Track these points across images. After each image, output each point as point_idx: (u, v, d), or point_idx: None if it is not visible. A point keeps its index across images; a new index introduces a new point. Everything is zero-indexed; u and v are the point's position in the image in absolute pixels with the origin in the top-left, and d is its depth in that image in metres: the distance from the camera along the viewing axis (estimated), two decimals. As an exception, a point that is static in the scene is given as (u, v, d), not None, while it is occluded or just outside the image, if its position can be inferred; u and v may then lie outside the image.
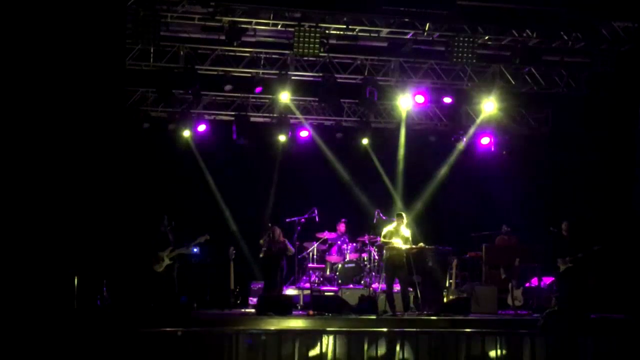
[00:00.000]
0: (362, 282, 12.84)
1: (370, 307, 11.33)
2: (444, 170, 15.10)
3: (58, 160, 10.77)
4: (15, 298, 9.97)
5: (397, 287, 12.04)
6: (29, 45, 10.59)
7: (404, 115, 14.46)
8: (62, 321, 9.86)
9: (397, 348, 10.14)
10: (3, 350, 9.18)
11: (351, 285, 12.71)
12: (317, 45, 11.71)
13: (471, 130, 14.82)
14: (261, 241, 12.41)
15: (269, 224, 12.55)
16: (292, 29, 11.79)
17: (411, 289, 12.02)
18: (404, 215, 12.03)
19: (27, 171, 10.56)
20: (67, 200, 10.82)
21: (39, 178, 10.59)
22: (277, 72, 13.08)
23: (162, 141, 14.11)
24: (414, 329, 10.34)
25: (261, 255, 12.37)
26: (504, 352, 10.29)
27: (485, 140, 14.92)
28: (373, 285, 12.35)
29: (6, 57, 10.43)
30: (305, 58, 12.67)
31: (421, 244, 12.04)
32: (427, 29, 12.07)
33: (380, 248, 12.45)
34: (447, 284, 12.48)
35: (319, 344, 10.02)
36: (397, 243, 11.77)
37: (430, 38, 12.40)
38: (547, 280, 12.62)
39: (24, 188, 10.50)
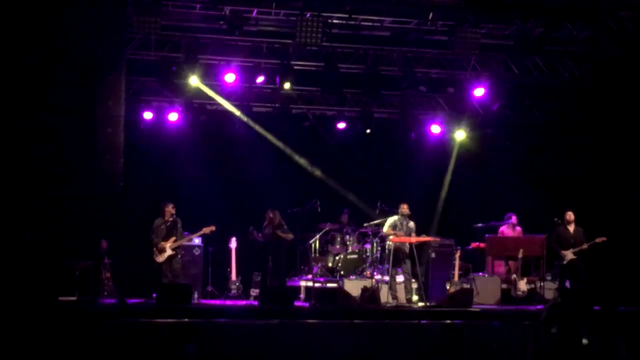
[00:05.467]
0: (365, 273, 12.78)
1: (373, 298, 11.27)
2: (447, 160, 15.03)
3: (58, 149, 10.75)
4: (13, 289, 9.98)
5: (399, 279, 12.02)
6: (29, 32, 10.53)
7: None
8: (61, 312, 9.84)
9: (400, 339, 10.06)
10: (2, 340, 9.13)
11: (353, 277, 12.64)
12: (319, 35, 11.62)
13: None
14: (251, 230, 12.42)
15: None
16: (294, 18, 11.67)
17: (414, 281, 12.02)
18: (407, 206, 11.97)
19: (25, 159, 10.53)
20: (68, 190, 10.81)
21: (37, 166, 10.57)
22: (279, 61, 12.98)
23: (163, 131, 14.03)
24: (417, 321, 10.28)
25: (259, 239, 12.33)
26: (506, 343, 10.21)
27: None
28: (375, 277, 12.29)
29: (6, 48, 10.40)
30: (308, 47, 12.51)
31: (424, 235, 11.98)
32: (430, 18, 11.96)
33: (383, 239, 12.42)
34: (449, 276, 12.43)
35: (321, 335, 9.94)
36: (400, 234, 11.72)
37: (434, 27, 12.30)
38: (550, 271, 12.57)
39: (22, 177, 10.48)
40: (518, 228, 13.14)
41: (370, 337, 9.97)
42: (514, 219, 13.09)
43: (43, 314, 9.52)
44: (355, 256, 13.06)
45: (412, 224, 11.90)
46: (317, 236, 13.39)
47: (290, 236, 12.48)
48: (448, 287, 12.29)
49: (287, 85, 13.26)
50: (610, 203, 13.10)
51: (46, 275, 10.46)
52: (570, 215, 11.97)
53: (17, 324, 9.21)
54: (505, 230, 13.13)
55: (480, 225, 13.43)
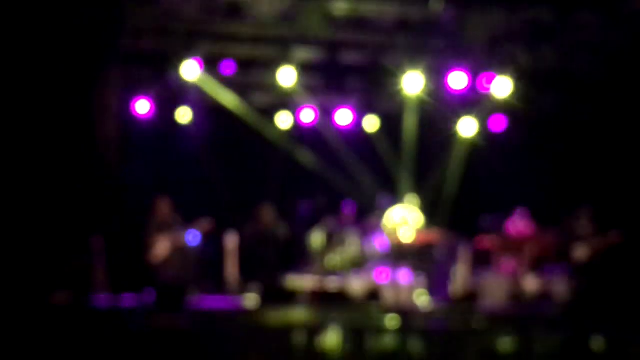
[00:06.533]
0: (368, 271, 12.55)
1: (376, 297, 11.13)
2: (453, 153, 14.76)
3: (51, 144, 10.64)
4: (4, 288, 9.83)
5: (403, 277, 11.73)
6: (20, 23, 10.34)
7: (411, 96, 14.13)
8: (54, 310, 9.72)
9: (403, 340, 9.90)
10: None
11: (356, 275, 12.37)
12: (320, 23, 11.39)
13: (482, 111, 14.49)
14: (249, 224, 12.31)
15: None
16: (295, 7, 11.44)
17: (418, 279, 11.76)
18: (412, 200, 11.82)
19: (17, 153, 10.38)
20: (61, 185, 10.71)
21: (29, 160, 10.45)
22: (279, 51, 12.70)
23: (160, 123, 13.73)
24: (421, 321, 10.14)
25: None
26: (514, 344, 10.02)
27: (496, 122, 14.47)
28: (379, 275, 12.04)
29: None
30: (309, 37, 12.22)
31: (429, 231, 11.80)
32: (436, 6, 11.68)
33: (387, 235, 12.16)
34: (455, 274, 12.19)
35: (322, 336, 9.79)
36: (404, 230, 11.57)
37: (440, 16, 11.99)
38: (561, 270, 12.32)
39: (16, 171, 10.35)
40: (529, 224, 12.88)
41: (372, 338, 9.81)
42: (522, 214, 12.83)
43: (36, 312, 9.41)
44: (357, 253, 12.83)
45: (418, 218, 11.74)
46: (319, 232, 13.16)
47: (284, 232, 12.34)
48: (454, 286, 12.05)
49: (287, 76, 13.03)
50: (625, 198, 12.84)
51: (39, 272, 10.35)
52: (583, 211, 11.75)
53: (9, 322, 9.10)
54: (513, 226, 12.86)
55: (488, 220, 13.17)
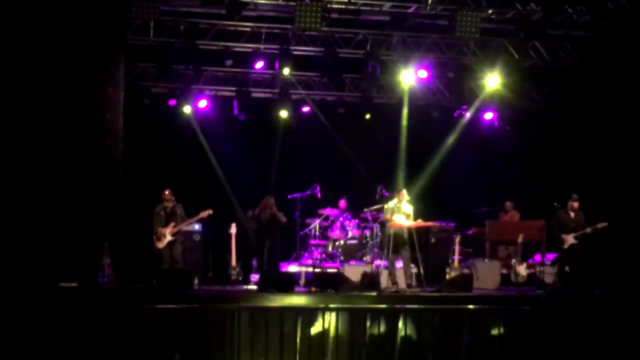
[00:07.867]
0: (365, 258, 12.79)
1: (373, 284, 11.26)
2: (446, 146, 14.97)
3: (56, 136, 10.73)
4: (14, 275, 9.98)
5: (399, 264, 11.97)
6: (27, 18, 10.49)
7: (406, 90, 14.33)
8: (63, 298, 9.84)
9: (399, 325, 10.08)
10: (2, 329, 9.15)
11: (353, 262, 12.65)
12: (318, 19, 11.54)
13: (474, 105, 14.68)
14: (249, 213, 12.42)
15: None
16: (293, 3, 11.58)
17: (413, 266, 11.97)
18: (405, 191, 11.94)
19: (24, 145, 10.51)
20: (67, 176, 10.80)
21: (36, 152, 10.55)
22: (278, 46, 12.90)
23: (163, 117, 14.01)
24: (416, 306, 10.28)
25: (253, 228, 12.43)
26: (506, 328, 10.22)
27: (488, 116, 14.85)
28: (375, 262, 12.27)
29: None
30: (307, 32, 12.49)
31: (421, 221, 11.95)
32: (430, 2, 11.87)
33: (383, 225, 12.38)
34: (449, 261, 12.40)
35: (320, 321, 9.97)
36: (399, 219, 11.70)
37: (434, 12, 12.20)
38: (551, 256, 12.55)
39: (24, 162, 10.47)
40: (515, 214, 13.12)
41: (369, 322, 9.99)
42: (509, 205, 13.09)
43: (44, 300, 9.54)
44: (355, 242, 13.07)
45: (409, 209, 11.85)
46: (317, 221, 13.37)
47: (284, 222, 12.52)
48: (448, 272, 12.25)
49: (286, 71, 13.21)
50: (612, 188, 13.05)
51: (47, 261, 10.46)
52: (573, 200, 11.91)
53: (19, 309, 9.26)
54: (504, 215, 13.12)
55: (480, 210, 13.40)
